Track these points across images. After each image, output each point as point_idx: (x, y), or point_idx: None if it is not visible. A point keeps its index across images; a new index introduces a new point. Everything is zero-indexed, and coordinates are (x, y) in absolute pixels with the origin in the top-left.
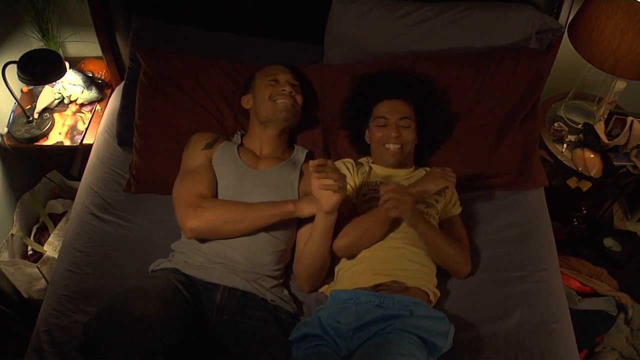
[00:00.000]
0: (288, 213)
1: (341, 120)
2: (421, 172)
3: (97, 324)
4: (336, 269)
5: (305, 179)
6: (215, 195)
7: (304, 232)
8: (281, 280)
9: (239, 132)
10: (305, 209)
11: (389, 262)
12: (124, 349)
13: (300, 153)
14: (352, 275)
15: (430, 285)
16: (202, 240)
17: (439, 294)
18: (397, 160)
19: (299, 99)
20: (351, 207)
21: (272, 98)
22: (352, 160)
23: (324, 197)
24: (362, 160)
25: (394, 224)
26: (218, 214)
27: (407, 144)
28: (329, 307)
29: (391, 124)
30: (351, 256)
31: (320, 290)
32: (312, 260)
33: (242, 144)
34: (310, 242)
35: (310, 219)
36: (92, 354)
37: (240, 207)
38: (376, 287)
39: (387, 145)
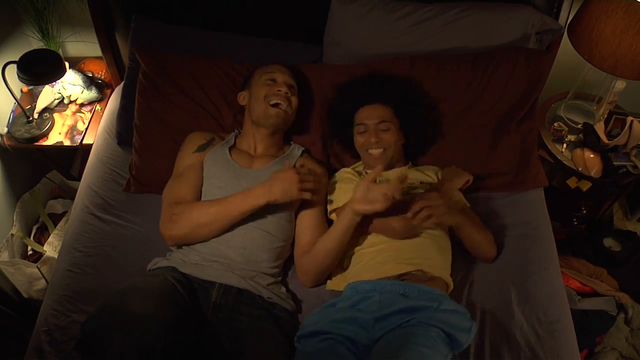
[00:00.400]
0: (259, 206)
1: (331, 134)
2: (414, 171)
3: (95, 322)
4: (353, 260)
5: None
6: (198, 197)
7: (305, 227)
8: (279, 278)
9: (234, 132)
10: (280, 200)
11: (413, 251)
12: (121, 346)
13: (296, 150)
14: (374, 266)
15: (448, 275)
16: None
17: (452, 285)
18: (382, 163)
19: (294, 101)
20: None
21: (266, 98)
22: (351, 170)
23: (365, 202)
24: (359, 167)
25: None
26: (189, 219)
27: (389, 147)
28: (347, 299)
29: (370, 130)
30: (374, 248)
31: (328, 287)
32: (323, 258)
33: (234, 145)
34: (326, 240)
35: (310, 215)
36: (89, 352)
37: (211, 208)
38: (401, 277)
39: (369, 151)
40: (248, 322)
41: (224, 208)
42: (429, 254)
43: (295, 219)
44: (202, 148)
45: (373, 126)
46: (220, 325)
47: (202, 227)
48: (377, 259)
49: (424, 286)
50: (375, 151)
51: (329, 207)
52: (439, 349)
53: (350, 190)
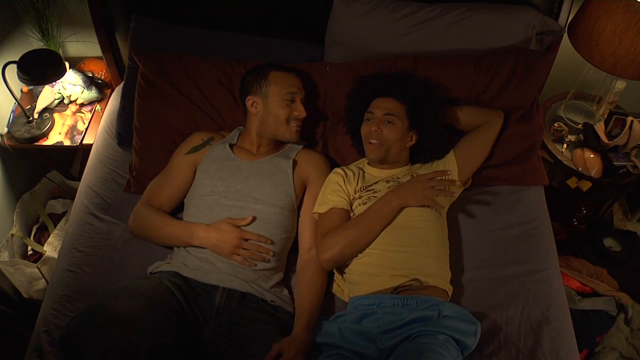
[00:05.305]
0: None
1: (345, 125)
2: (418, 165)
3: (78, 321)
4: (347, 271)
5: (300, 167)
6: (173, 198)
7: (307, 226)
8: (281, 274)
9: (237, 129)
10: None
11: (406, 261)
12: (102, 345)
13: (296, 145)
14: (369, 279)
15: (446, 282)
16: None
17: (452, 289)
18: (377, 157)
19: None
20: (348, 218)
21: (288, 120)
22: (341, 170)
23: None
24: (355, 164)
25: (396, 224)
26: (141, 224)
27: (386, 142)
28: (351, 314)
29: (374, 119)
30: (364, 260)
31: (334, 290)
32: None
33: (236, 143)
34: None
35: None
36: (70, 349)
37: (158, 224)
38: (396, 289)
39: (369, 140)
40: (251, 327)
41: (169, 232)
42: (422, 262)
43: (299, 211)
44: (195, 149)
45: (379, 116)
46: (224, 330)
47: (149, 238)
48: (371, 270)
49: (422, 296)
50: (372, 140)
51: (314, 209)
52: (450, 352)
53: (333, 194)
